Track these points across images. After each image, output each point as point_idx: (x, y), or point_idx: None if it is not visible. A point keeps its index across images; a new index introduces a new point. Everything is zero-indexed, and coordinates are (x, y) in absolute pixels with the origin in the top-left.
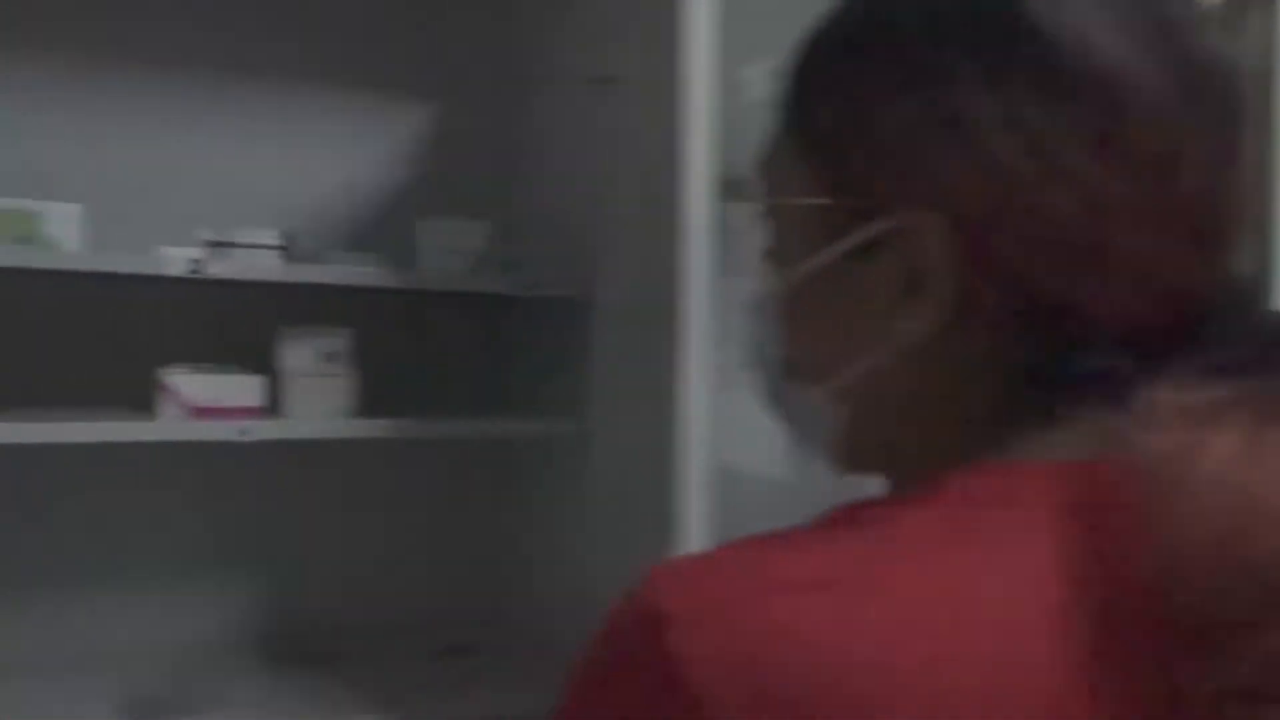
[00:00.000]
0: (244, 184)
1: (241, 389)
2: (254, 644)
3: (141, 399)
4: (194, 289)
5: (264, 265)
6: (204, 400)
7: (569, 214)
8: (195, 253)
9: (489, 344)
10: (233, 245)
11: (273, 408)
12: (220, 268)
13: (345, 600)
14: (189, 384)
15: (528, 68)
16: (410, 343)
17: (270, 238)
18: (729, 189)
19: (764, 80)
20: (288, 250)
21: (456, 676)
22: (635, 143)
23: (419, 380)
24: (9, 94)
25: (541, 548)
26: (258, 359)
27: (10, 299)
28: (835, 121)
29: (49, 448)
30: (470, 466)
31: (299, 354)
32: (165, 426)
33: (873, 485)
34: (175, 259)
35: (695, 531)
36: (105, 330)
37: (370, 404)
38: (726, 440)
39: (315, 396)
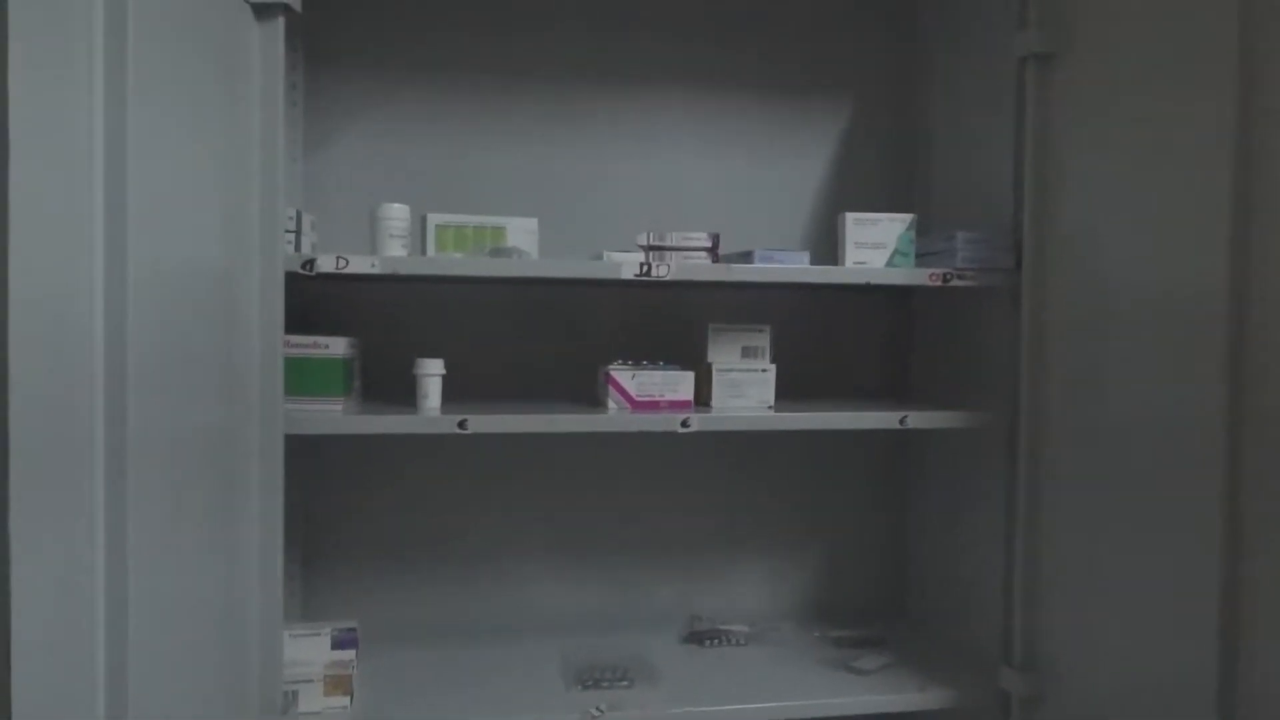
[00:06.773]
0: (670, 188)
1: (677, 384)
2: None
3: (586, 394)
4: (630, 290)
5: (697, 266)
6: (643, 395)
7: (992, 205)
8: (640, 256)
9: (900, 335)
10: (667, 248)
11: (700, 400)
12: (662, 270)
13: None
14: (630, 380)
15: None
16: (822, 335)
17: (700, 239)
18: None
19: None
20: (713, 251)
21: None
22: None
23: (828, 372)
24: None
25: (953, 540)
26: (686, 354)
27: (481, 303)
28: None
29: (512, 437)
30: (885, 454)
31: (726, 350)
32: (615, 419)
33: None
34: (628, 262)
35: None
36: (558, 330)
37: (781, 395)
38: None
39: (741, 389)
